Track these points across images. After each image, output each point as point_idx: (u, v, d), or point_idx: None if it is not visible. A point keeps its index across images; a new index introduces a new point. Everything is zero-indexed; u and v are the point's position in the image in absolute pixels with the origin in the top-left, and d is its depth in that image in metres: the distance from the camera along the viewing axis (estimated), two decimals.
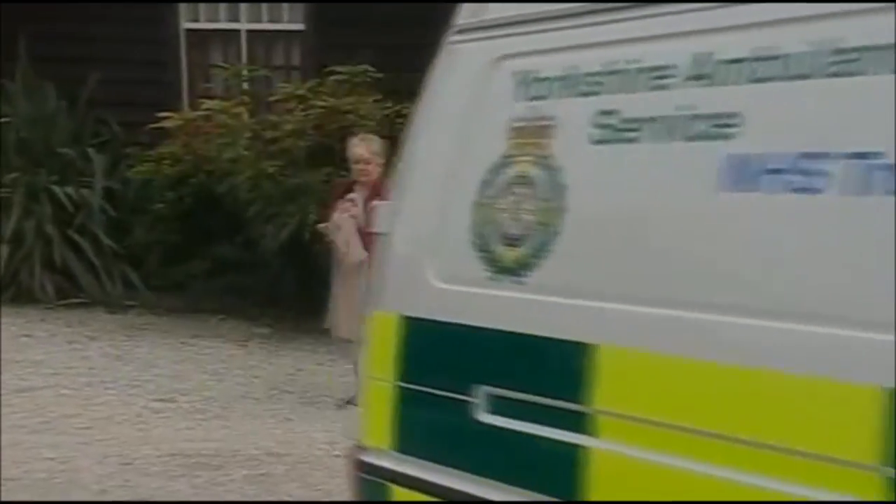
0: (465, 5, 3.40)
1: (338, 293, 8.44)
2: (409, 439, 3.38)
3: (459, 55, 3.41)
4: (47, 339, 10.48)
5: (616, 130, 2.94)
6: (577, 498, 2.89)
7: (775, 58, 2.66)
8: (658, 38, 2.89)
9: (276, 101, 11.10)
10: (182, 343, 10.51)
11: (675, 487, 2.70)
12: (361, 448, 3.56)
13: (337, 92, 10.80)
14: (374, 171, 8.42)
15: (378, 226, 3.55)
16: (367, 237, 8.23)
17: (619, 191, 2.95)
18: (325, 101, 10.63)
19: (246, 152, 10.70)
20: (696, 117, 2.77)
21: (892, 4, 2.48)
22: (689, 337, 2.72)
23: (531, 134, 3.13)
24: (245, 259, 11.07)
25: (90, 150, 12.11)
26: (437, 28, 12.55)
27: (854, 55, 2.53)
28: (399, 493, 3.38)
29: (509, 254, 3.14)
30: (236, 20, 12.24)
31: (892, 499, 2.38)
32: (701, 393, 2.69)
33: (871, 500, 2.41)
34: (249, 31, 12.21)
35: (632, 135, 2.90)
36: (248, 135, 10.87)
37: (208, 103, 11.29)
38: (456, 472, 3.20)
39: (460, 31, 3.42)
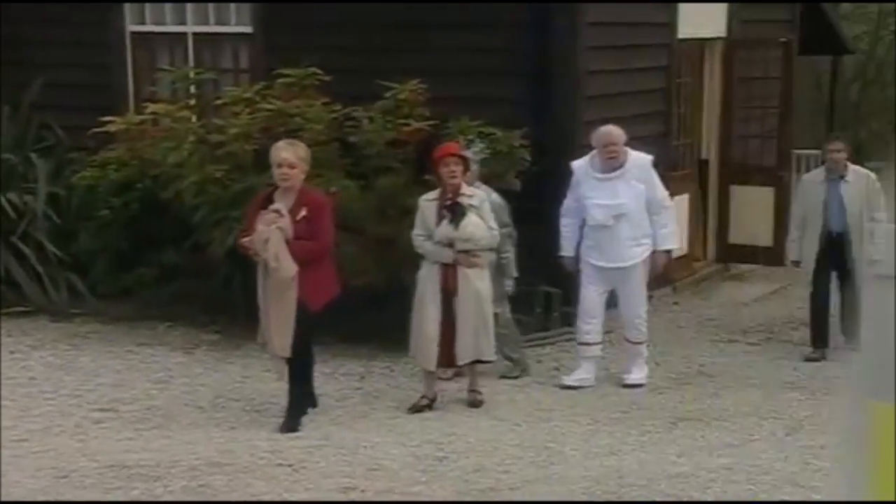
0: None
1: (269, 309, 8.08)
2: None
3: None
4: None
5: None
6: None
7: None
8: None
9: (223, 104, 10.92)
10: (127, 351, 10.32)
11: None
12: None
13: (285, 95, 10.64)
14: (298, 177, 8.09)
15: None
16: (295, 247, 7.98)
17: None
18: (272, 104, 10.47)
19: (191, 156, 10.51)
20: None
21: None
22: None
23: None
24: (193, 265, 10.87)
25: (33, 156, 11.89)
26: (387, 31, 12.48)
27: None
28: None
29: None
30: (183, 23, 12.04)
31: None
32: None
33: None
34: (196, 34, 12.01)
35: None
36: (192, 139, 10.69)
37: (153, 107, 11.10)
38: None
39: None
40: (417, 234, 8.65)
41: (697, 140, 13.51)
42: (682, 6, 12.32)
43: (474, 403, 8.76)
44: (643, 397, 9.08)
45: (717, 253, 13.74)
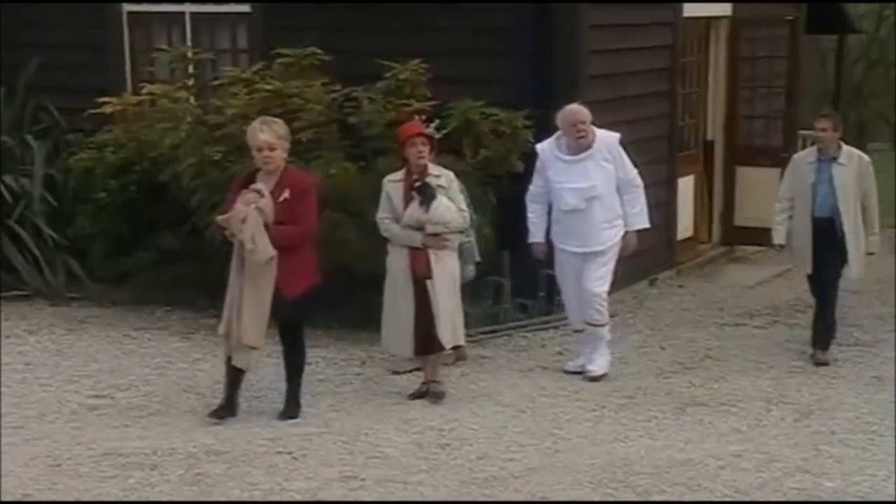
0: None
1: (241, 295, 7.67)
2: None
3: None
4: None
5: None
6: None
7: None
8: None
9: (221, 85, 10.75)
10: (125, 336, 10.17)
11: None
12: None
13: (284, 75, 10.48)
14: (279, 157, 7.79)
15: None
16: (275, 232, 7.63)
17: None
18: (270, 84, 10.30)
19: (188, 138, 10.35)
20: None
21: None
22: None
23: None
24: (192, 249, 10.72)
25: (30, 138, 11.75)
26: (387, 11, 12.25)
27: None
28: None
29: None
30: (180, 2, 11.87)
31: None
32: None
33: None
34: (194, 14, 11.84)
35: None
36: (190, 120, 10.53)
37: (150, 88, 10.94)
38: None
39: None
40: (383, 217, 8.40)
41: (702, 120, 13.34)
42: None
43: (438, 395, 8.42)
44: (649, 382, 8.94)
45: (722, 235, 13.59)
